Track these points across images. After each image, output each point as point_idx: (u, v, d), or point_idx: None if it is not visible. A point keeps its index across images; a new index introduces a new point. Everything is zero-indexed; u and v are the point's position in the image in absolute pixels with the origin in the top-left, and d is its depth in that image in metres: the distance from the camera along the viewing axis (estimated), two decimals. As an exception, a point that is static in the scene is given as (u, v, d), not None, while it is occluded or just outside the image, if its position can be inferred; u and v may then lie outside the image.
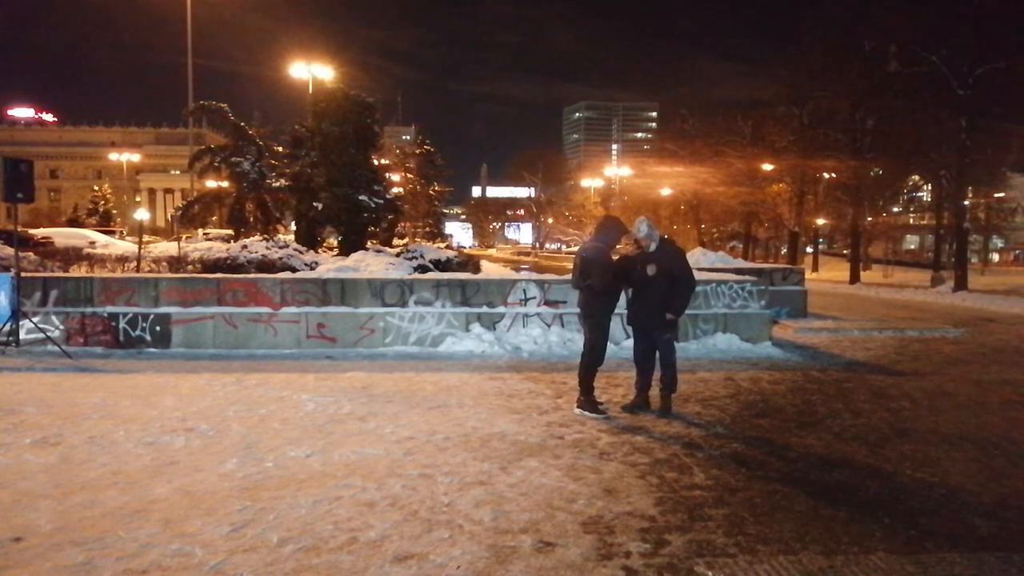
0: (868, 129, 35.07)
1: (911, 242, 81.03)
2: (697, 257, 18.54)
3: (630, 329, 7.49)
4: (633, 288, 7.09)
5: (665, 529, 4.24)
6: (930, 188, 43.93)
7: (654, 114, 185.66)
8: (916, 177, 44.50)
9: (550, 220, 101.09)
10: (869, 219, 41.49)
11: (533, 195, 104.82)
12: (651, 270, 6.79)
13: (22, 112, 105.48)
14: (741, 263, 22.12)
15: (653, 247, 6.97)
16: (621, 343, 10.63)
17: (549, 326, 11.01)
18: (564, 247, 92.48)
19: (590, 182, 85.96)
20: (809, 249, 50.66)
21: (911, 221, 67.31)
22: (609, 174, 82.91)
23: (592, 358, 6.96)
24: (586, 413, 6.86)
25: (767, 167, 40.74)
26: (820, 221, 45.97)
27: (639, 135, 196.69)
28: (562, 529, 4.22)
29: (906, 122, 29.47)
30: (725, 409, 7.30)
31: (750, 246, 55.63)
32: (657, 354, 7.06)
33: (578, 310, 7.45)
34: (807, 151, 37.46)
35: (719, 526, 4.30)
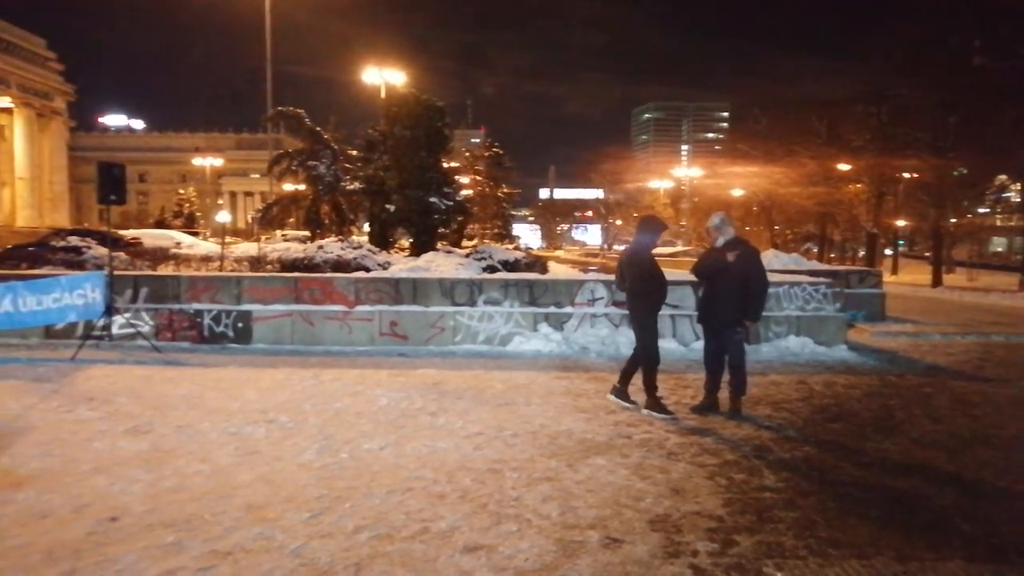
0: (951, 127, 33.62)
1: (998, 244, 77.24)
2: (770, 259, 18.13)
3: (700, 330, 7.44)
4: (706, 285, 7.07)
5: (733, 529, 4.23)
6: (1019, 188, 41.90)
7: (725, 114, 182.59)
8: (1003, 177, 42.48)
9: (618, 222, 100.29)
10: (952, 220, 39.79)
11: (601, 196, 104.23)
12: (731, 256, 6.78)
13: (114, 119, 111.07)
14: (815, 265, 21.56)
15: (721, 241, 6.96)
16: (691, 345, 10.55)
17: (617, 327, 10.98)
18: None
19: (659, 183, 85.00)
20: (888, 251, 48.88)
21: (998, 222, 64.20)
22: (679, 175, 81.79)
23: (648, 360, 6.97)
24: (654, 414, 6.85)
25: (843, 167, 39.52)
26: (900, 222, 44.34)
27: (710, 135, 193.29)
28: (629, 526, 4.25)
29: (993, 119, 28.14)
30: (797, 412, 7.17)
31: (825, 248, 54.05)
32: (726, 356, 7.01)
33: None
34: (886, 150, 36.11)
35: (789, 528, 4.26)
